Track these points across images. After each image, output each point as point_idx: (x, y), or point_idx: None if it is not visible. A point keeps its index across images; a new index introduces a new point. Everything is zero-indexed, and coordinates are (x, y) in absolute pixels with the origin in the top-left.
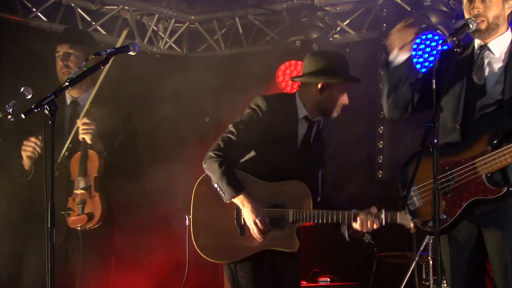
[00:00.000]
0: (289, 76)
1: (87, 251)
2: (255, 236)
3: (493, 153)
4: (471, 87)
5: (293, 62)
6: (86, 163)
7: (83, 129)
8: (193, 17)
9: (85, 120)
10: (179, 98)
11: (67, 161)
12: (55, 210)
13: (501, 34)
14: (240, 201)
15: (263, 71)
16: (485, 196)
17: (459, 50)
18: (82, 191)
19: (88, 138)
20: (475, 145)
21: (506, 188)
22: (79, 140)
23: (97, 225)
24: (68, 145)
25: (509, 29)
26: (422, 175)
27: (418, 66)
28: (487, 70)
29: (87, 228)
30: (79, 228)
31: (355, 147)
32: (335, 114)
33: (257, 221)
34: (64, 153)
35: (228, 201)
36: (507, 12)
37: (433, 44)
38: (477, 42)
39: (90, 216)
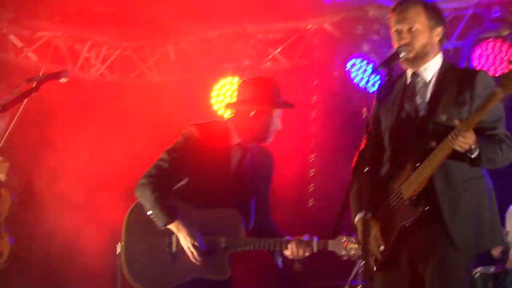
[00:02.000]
0: (223, 96)
1: None
2: (193, 261)
3: (411, 175)
4: (403, 116)
5: (228, 79)
6: None
7: None
8: (125, 43)
9: None
10: (111, 125)
11: None
12: None
13: (431, 60)
14: (175, 226)
15: (195, 98)
16: (407, 220)
17: (390, 77)
18: None
19: (2, 177)
20: (403, 172)
21: (421, 208)
22: None
23: (4, 265)
24: None
25: (440, 54)
26: (374, 202)
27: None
28: (418, 97)
29: None
30: None
31: (286, 174)
32: (268, 140)
33: (195, 244)
34: None
35: (162, 228)
36: (436, 39)
37: (363, 68)
38: (409, 72)
39: None
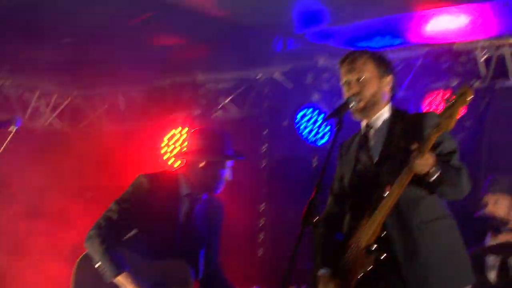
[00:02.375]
0: (173, 146)
1: None
2: None
3: (367, 223)
4: (359, 168)
5: (178, 130)
6: None
7: None
8: (75, 92)
9: None
10: (60, 173)
11: None
12: None
13: (382, 109)
14: (123, 278)
15: (145, 147)
16: (364, 268)
17: (340, 127)
18: None
19: None
20: (362, 222)
21: (375, 256)
22: None
23: None
24: None
25: (390, 103)
26: (336, 256)
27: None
28: (371, 147)
29: None
30: None
31: (236, 223)
32: (218, 190)
33: None
34: None
35: (110, 280)
36: (386, 88)
37: (314, 118)
38: (363, 124)
39: None
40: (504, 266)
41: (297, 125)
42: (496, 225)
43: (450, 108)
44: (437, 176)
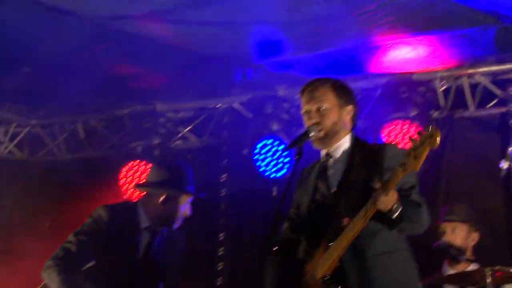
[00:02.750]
0: (132, 177)
1: None
2: None
3: (324, 254)
4: (317, 197)
5: (136, 162)
6: None
7: None
8: (34, 121)
9: None
10: (19, 202)
11: None
12: None
13: (342, 139)
14: None
15: (104, 177)
16: None
17: (299, 156)
18: None
19: None
20: (318, 252)
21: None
22: None
23: None
24: None
25: (351, 133)
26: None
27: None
28: (330, 177)
29: None
30: None
31: (195, 253)
32: (176, 226)
33: None
34: None
35: None
36: (347, 117)
37: (274, 149)
38: (322, 153)
39: None
40: None
41: (256, 157)
42: (454, 253)
43: (417, 148)
44: (399, 213)
